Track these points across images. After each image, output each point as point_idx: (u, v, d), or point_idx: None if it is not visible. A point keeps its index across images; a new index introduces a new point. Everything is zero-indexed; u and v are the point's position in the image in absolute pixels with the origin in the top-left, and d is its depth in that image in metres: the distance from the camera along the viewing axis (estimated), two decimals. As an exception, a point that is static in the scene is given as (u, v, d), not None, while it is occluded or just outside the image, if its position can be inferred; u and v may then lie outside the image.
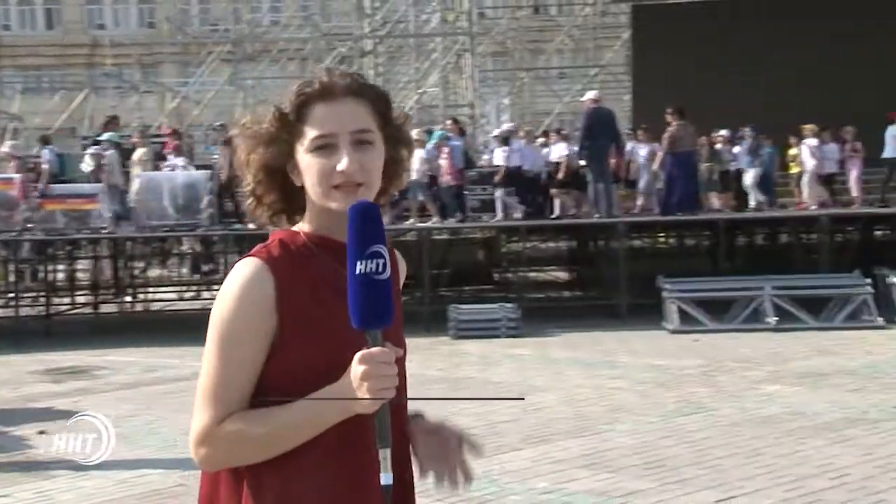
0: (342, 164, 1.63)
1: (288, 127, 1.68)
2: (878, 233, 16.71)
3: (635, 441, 6.66)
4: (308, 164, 1.66)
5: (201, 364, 1.65)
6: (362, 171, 1.64)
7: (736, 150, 15.14)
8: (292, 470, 1.62)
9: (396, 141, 1.74)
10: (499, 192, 14.33)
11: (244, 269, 1.65)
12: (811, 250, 14.73)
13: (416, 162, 13.45)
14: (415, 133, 15.86)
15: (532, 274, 16.35)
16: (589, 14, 24.71)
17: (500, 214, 14.38)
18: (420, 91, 21.70)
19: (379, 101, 1.71)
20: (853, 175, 15.19)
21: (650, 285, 12.77)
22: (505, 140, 14.84)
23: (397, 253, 1.81)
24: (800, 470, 5.63)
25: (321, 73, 1.72)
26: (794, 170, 15.37)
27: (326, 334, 1.63)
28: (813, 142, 14.84)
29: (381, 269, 1.52)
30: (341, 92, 1.67)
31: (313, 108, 1.67)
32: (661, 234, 17.91)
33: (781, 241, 16.83)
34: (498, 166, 14.51)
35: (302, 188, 1.69)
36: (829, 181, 15.41)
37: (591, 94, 14.43)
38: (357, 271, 1.52)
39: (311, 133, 1.66)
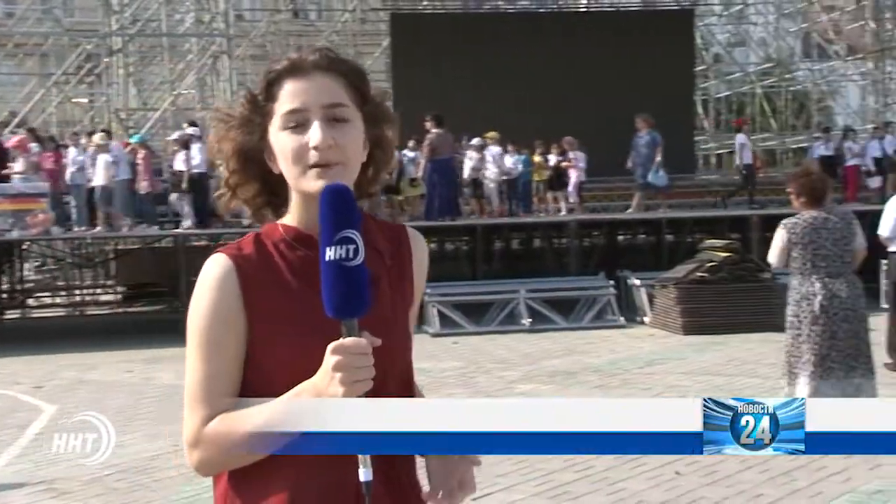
0: (314, 138, 1.53)
1: (259, 109, 1.59)
2: (621, 238, 17.86)
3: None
4: (281, 144, 1.56)
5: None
6: (338, 150, 1.55)
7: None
8: (276, 471, 1.54)
9: (378, 119, 1.64)
10: (173, 198, 13.85)
11: (209, 268, 1.57)
12: (561, 254, 15.49)
13: (103, 167, 13.19)
14: (175, 135, 15.20)
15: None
16: (348, 20, 24.79)
17: (187, 221, 13.82)
18: (175, 93, 20.88)
19: (353, 76, 1.61)
20: (570, 183, 16.12)
21: (411, 290, 12.93)
22: (185, 144, 14.09)
23: (417, 234, 1.73)
24: (548, 465, 5.85)
25: (292, 50, 1.64)
26: (538, 178, 16.16)
27: (302, 327, 1.55)
28: (496, 149, 15.59)
29: (351, 255, 1.45)
30: (311, 66, 1.59)
31: (283, 85, 1.58)
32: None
33: (535, 246, 17.58)
34: (180, 171, 13.93)
35: (283, 176, 1.58)
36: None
37: (352, 100, 14.42)
38: (327, 258, 1.44)
39: (281, 110, 1.56)
